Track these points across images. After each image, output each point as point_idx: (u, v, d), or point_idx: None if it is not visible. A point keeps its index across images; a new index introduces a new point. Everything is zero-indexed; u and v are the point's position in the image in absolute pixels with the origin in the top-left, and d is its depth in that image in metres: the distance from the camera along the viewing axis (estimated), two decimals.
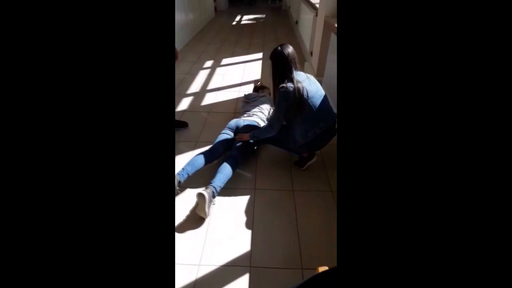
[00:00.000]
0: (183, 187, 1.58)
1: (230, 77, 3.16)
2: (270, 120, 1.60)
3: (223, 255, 1.24)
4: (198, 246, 1.28)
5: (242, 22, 6.13)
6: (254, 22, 6.09)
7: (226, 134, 1.78)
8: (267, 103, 2.09)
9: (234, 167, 1.57)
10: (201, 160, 1.59)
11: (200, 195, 1.37)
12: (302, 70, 1.59)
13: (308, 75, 1.57)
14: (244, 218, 1.42)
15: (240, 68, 3.41)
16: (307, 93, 1.45)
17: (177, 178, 1.48)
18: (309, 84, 1.50)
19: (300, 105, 1.45)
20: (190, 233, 1.34)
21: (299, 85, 1.44)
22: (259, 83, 2.51)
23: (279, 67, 1.50)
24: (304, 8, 3.77)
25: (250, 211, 1.46)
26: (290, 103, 1.45)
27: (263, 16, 6.72)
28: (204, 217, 1.39)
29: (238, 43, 4.42)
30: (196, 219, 1.40)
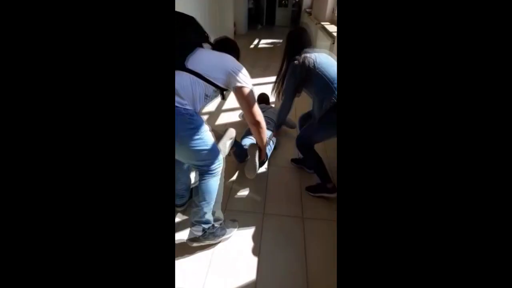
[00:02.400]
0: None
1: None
2: (284, 95, 1.60)
3: (226, 283, 1.18)
4: (201, 271, 1.23)
5: (260, 46, 6.33)
6: (272, 46, 6.27)
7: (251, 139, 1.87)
8: (275, 113, 2.14)
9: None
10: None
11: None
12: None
13: (325, 52, 1.52)
14: (250, 244, 1.37)
15: (256, 90, 3.46)
16: (315, 63, 1.40)
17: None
18: (319, 56, 1.44)
19: (310, 77, 1.42)
20: (193, 257, 1.29)
21: (307, 56, 1.41)
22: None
23: (291, 46, 1.52)
24: (321, 35, 3.85)
25: (257, 237, 1.41)
26: (298, 77, 1.44)
27: (281, 41, 6.93)
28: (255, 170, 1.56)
29: (255, 66, 4.53)
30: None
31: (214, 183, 1.19)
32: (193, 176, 1.67)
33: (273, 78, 1.77)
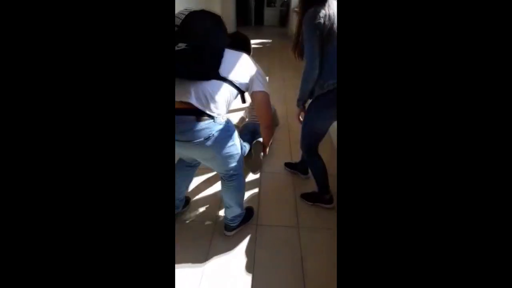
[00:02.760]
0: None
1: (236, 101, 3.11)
2: (306, 60, 1.19)
3: None
4: None
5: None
6: (261, 46, 6.20)
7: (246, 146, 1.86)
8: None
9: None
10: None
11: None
12: None
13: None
14: (244, 259, 1.28)
15: None
16: (336, 28, 1.09)
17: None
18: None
19: (328, 38, 1.10)
20: (183, 274, 1.20)
21: (331, 11, 1.09)
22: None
23: None
24: None
25: (251, 250, 1.32)
26: (322, 30, 1.08)
27: (270, 41, 6.87)
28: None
29: None
30: (191, 257, 1.27)
31: (241, 183, 1.28)
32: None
33: None
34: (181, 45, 0.84)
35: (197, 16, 0.89)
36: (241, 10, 8.87)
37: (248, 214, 1.46)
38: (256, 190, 1.70)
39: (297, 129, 2.55)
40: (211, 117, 0.97)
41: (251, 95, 1.11)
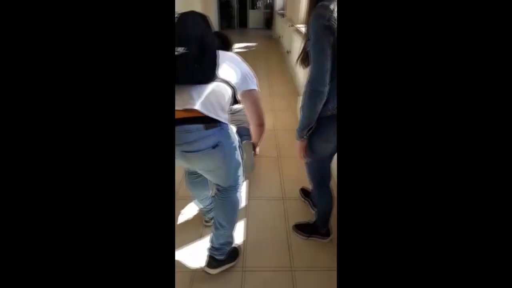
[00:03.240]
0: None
1: None
2: (312, 72, 0.87)
3: None
4: None
5: (234, 51, 6.02)
6: (246, 50, 5.99)
7: None
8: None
9: None
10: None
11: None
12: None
13: None
14: None
15: None
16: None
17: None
18: None
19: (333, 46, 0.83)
20: None
21: (334, 14, 0.80)
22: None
23: None
24: (296, 38, 3.63)
25: None
26: (334, 33, 0.80)
27: (255, 44, 6.67)
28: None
29: None
30: None
31: (237, 196, 1.15)
32: None
33: None
34: (180, 49, 0.81)
35: (190, 19, 0.86)
36: (224, 13, 8.67)
37: (234, 253, 1.27)
38: (242, 222, 1.48)
39: (286, 142, 2.36)
40: (218, 123, 0.92)
41: (244, 94, 1.06)
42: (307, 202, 1.60)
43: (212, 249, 1.16)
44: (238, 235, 1.40)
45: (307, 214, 1.51)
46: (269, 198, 1.67)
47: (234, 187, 1.12)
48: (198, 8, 5.20)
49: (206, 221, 1.45)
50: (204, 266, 1.17)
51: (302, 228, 1.41)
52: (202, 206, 1.41)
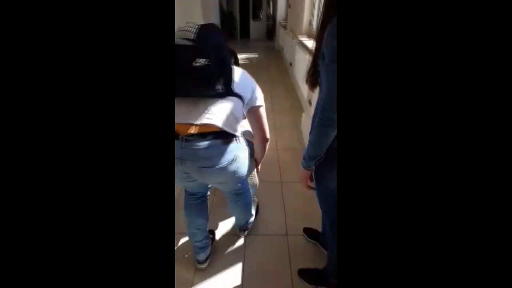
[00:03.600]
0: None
1: None
2: (324, 94, 0.73)
3: None
4: None
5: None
6: (248, 62, 5.88)
7: None
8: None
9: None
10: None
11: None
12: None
13: None
14: None
15: None
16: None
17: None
18: None
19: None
20: None
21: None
22: None
23: None
24: (299, 50, 3.49)
25: None
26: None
27: (256, 56, 6.56)
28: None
29: None
30: None
31: (249, 194, 1.30)
32: None
33: None
34: (201, 61, 0.80)
35: (210, 30, 0.85)
36: (226, 24, 8.63)
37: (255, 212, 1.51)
38: (239, 265, 1.28)
39: (290, 163, 2.16)
40: (234, 137, 0.94)
41: (250, 110, 1.04)
42: (316, 244, 1.39)
43: (239, 226, 1.44)
44: (234, 283, 1.20)
45: (316, 254, 1.31)
46: (270, 234, 1.47)
47: (243, 189, 1.23)
48: (199, 19, 5.12)
49: (199, 262, 1.25)
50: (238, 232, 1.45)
51: (308, 276, 1.20)
52: (195, 239, 1.22)
